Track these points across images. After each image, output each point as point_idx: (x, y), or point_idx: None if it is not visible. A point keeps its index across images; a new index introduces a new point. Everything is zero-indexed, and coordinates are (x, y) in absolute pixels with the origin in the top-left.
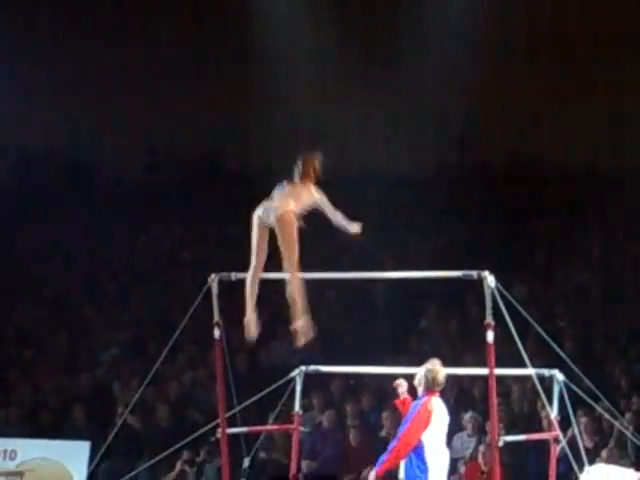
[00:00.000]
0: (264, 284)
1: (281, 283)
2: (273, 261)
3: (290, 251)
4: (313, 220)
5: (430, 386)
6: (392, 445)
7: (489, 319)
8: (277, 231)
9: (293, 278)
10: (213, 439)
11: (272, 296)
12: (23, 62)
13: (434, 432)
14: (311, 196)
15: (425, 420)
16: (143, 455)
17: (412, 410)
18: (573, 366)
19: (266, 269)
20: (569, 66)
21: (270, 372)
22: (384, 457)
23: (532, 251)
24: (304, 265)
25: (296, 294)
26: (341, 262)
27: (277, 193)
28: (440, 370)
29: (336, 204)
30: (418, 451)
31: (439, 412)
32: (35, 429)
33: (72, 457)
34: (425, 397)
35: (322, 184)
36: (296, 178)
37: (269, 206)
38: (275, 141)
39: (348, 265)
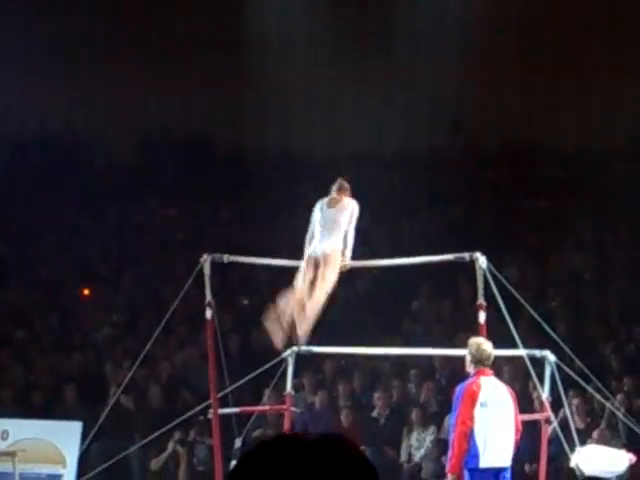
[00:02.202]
0: (255, 267)
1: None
2: (268, 247)
3: (328, 286)
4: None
5: (476, 360)
6: (451, 439)
7: (481, 300)
8: (322, 265)
9: (319, 299)
10: (202, 418)
11: (264, 278)
12: (18, 46)
13: (482, 414)
14: (343, 206)
15: (470, 403)
16: (135, 435)
17: (457, 394)
18: (565, 347)
19: (260, 254)
20: (561, 49)
21: (262, 353)
22: (449, 454)
23: (524, 233)
24: (294, 249)
25: (313, 312)
26: None
27: (321, 219)
28: (482, 342)
29: (329, 185)
30: (468, 435)
31: (488, 391)
32: (27, 409)
33: (64, 437)
34: (473, 377)
35: (316, 165)
36: (333, 193)
37: (319, 244)
38: (267, 123)
39: None
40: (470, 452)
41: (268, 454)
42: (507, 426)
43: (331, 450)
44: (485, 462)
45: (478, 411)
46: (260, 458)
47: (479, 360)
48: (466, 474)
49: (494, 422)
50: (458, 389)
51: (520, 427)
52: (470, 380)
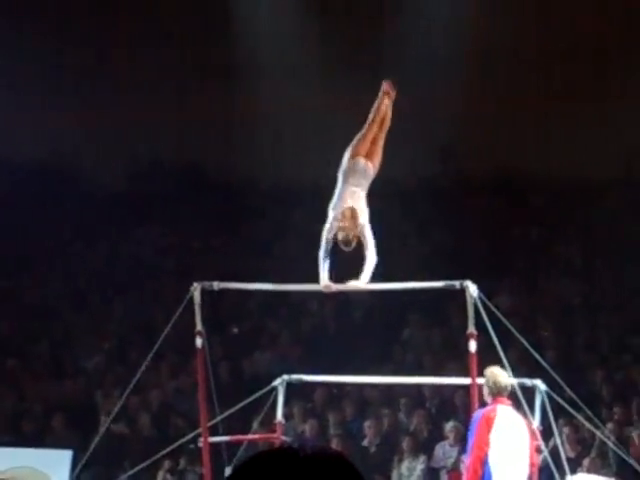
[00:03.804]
0: (245, 295)
1: (263, 294)
2: (259, 275)
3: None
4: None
5: (493, 392)
6: (466, 463)
7: (471, 329)
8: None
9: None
10: (192, 446)
11: (254, 307)
12: (3, 73)
13: (498, 440)
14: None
15: (487, 428)
16: (125, 464)
17: (474, 420)
18: (555, 376)
19: (247, 280)
20: (552, 79)
21: (252, 381)
22: (464, 479)
23: (515, 261)
24: (284, 278)
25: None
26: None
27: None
28: (499, 374)
29: (320, 215)
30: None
31: (505, 420)
32: (18, 438)
33: (54, 466)
34: (490, 405)
35: (306, 194)
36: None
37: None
38: (259, 153)
39: (331, 275)
40: (484, 478)
41: (263, 465)
42: (521, 455)
43: (326, 463)
44: None
45: (494, 437)
46: (255, 469)
47: (497, 392)
48: None
49: (509, 449)
50: (475, 415)
51: (535, 461)
52: (488, 408)
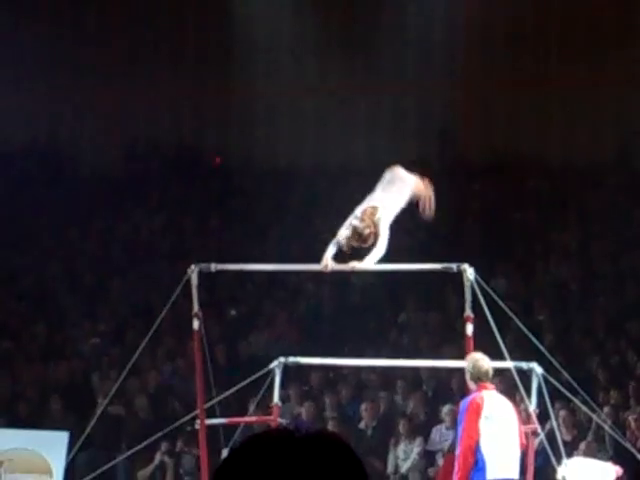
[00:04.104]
0: (242, 277)
1: (259, 274)
2: (256, 257)
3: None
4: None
5: (475, 377)
6: (457, 452)
7: (468, 312)
8: None
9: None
10: (189, 429)
11: (251, 289)
12: (2, 57)
13: (488, 426)
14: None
15: (475, 416)
16: (122, 445)
17: (462, 408)
18: (552, 359)
19: (244, 262)
20: (549, 63)
21: (249, 363)
22: (456, 467)
23: (511, 245)
24: (281, 260)
25: None
26: (318, 255)
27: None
28: (480, 358)
29: (317, 197)
30: (474, 448)
31: (492, 405)
32: (14, 419)
33: (50, 447)
34: (475, 392)
35: (304, 178)
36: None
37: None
38: (255, 135)
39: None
40: (477, 465)
41: (260, 446)
42: (512, 438)
43: (322, 445)
44: (492, 474)
45: (483, 424)
46: (252, 451)
47: (478, 377)
48: None
49: (499, 434)
50: (462, 404)
51: (524, 441)
52: (473, 395)
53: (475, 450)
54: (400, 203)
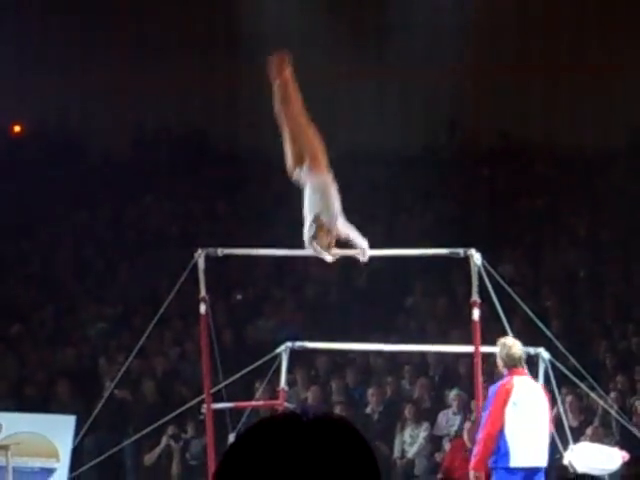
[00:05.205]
0: (249, 262)
1: (266, 259)
2: (264, 242)
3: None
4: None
5: (507, 363)
6: (479, 436)
7: (475, 297)
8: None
9: None
10: (202, 417)
11: (259, 274)
12: (12, 39)
13: (516, 412)
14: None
15: (502, 402)
16: (129, 430)
17: (490, 394)
18: (559, 344)
19: (251, 247)
20: (557, 49)
21: (256, 348)
22: (475, 450)
23: (519, 231)
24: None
25: None
26: None
27: None
28: (512, 345)
29: None
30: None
31: (522, 391)
32: (21, 403)
33: (57, 431)
34: (506, 377)
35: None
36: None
37: None
38: (263, 121)
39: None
40: (500, 451)
41: (267, 431)
42: (541, 426)
43: (329, 429)
44: (515, 461)
45: (510, 410)
46: (258, 435)
47: (511, 364)
48: (497, 473)
49: (527, 421)
50: (491, 389)
51: (552, 429)
52: (503, 380)
53: (498, 437)
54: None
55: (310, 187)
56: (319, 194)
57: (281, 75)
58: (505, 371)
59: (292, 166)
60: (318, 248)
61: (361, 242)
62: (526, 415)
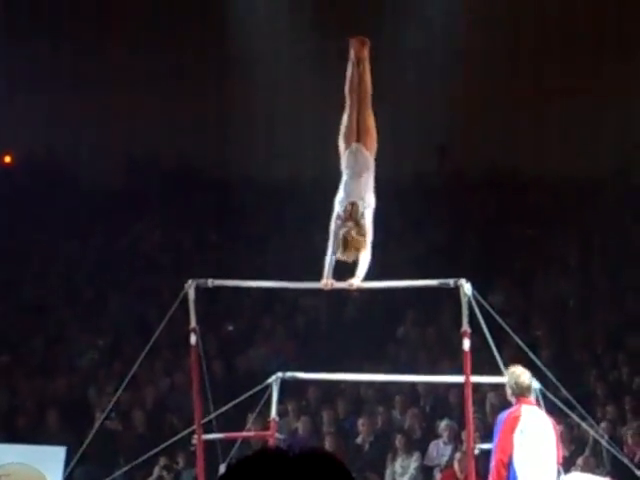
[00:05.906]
0: (240, 292)
1: (257, 291)
2: (254, 272)
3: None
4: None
5: (515, 392)
6: (491, 465)
7: (465, 327)
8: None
9: None
10: (192, 448)
11: (249, 304)
12: (2, 64)
13: (523, 441)
14: None
15: (510, 430)
16: (119, 461)
17: (499, 422)
18: (549, 374)
19: (243, 276)
20: (546, 79)
21: (247, 378)
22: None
23: (509, 260)
24: (279, 274)
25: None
26: (317, 270)
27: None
28: (521, 374)
29: (315, 210)
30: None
31: (530, 420)
32: (11, 434)
33: (48, 462)
34: (515, 406)
35: (301, 193)
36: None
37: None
38: (254, 150)
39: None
40: (509, 478)
41: (254, 466)
42: (548, 454)
43: (315, 464)
44: None
45: (518, 438)
46: (246, 470)
47: (519, 392)
48: None
49: (534, 450)
50: (500, 417)
51: (560, 460)
52: (512, 409)
53: (508, 464)
54: (371, 194)
55: (356, 167)
56: (365, 175)
57: (361, 54)
58: (513, 399)
59: (344, 142)
60: (339, 250)
61: (361, 271)
62: (533, 444)
